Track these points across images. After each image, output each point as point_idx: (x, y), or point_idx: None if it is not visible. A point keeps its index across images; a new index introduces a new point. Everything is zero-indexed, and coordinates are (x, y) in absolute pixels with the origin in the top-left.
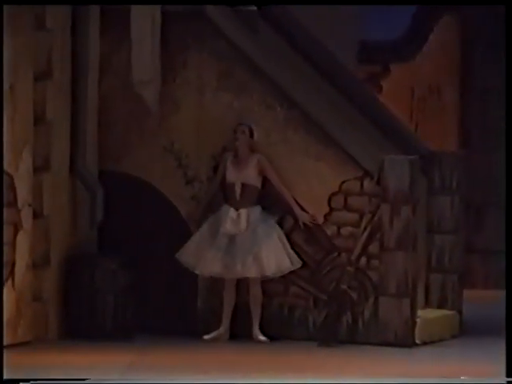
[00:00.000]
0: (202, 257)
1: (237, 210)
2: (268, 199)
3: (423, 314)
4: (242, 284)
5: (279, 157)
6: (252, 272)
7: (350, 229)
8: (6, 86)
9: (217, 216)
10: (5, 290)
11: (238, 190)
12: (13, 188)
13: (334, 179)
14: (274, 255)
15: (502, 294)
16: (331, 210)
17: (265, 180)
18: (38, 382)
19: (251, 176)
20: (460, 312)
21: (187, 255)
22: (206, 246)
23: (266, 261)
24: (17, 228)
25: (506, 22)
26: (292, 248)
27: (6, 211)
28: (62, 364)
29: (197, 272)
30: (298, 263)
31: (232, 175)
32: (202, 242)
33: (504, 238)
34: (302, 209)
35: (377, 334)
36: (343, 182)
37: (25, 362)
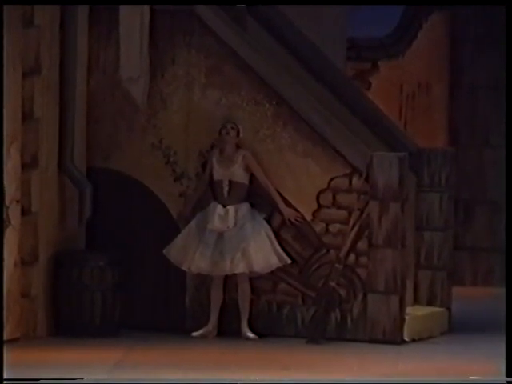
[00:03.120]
0: (190, 253)
1: (225, 206)
2: (257, 196)
3: (412, 311)
4: (230, 281)
5: (268, 153)
6: (240, 268)
7: (338, 226)
8: None
9: (205, 213)
10: None
11: (225, 187)
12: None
13: (323, 176)
14: (261, 251)
15: (490, 292)
16: (320, 206)
17: (253, 176)
18: (38, 382)
19: (238, 173)
20: (449, 309)
21: (175, 252)
22: (193, 242)
23: (254, 257)
24: (5, 225)
25: (506, 21)
26: (280, 245)
27: None
28: (51, 361)
29: (184, 268)
30: (286, 260)
31: (219, 173)
32: (190, 238)
33: (492, 235)
34: (289, 205)
35: (365, 331)
36: (332, 179)
37: (13, 359)
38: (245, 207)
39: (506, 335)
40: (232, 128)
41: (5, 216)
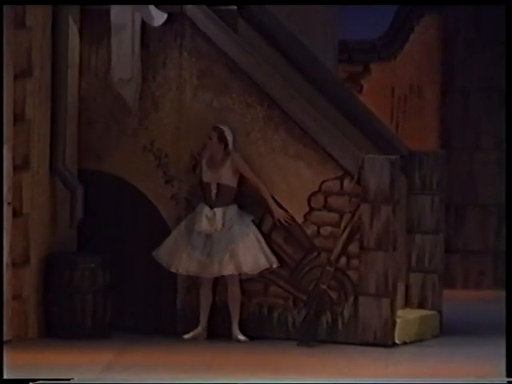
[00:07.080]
0: (178, 255)
1: (212, 208)
2: (247, 198)
3: (403, 313)
4: (220, 283)
5: (259, 156)
6: (229, 269)
7: (329, 228)
8: None
9: (194, 214)
10: None
11: (213, 189)
12: None
13: (314, 179)
14: (250, 252)
15: (481, 294)
16: (311, 209)
17: (243, 179)
18: (38, 382)
19: (226, 176)
20: (440, 312)
21: (163, 253)
22: (182, 244)
23: (243, 258)
24: None
25: (506, 21)
26: (271, 247)
27: None
28: (42, 363)
29: (172, 270)
30: (275, 262)
31: (207, 175)
32: (179, 240)
33: (483, 237)
34: (281, 208)
35: (356, 334)
36: (323, 182)
37: (4, 361)
38: (233, 209)
39: (506, 335)
40: (210, 137)
41: None
